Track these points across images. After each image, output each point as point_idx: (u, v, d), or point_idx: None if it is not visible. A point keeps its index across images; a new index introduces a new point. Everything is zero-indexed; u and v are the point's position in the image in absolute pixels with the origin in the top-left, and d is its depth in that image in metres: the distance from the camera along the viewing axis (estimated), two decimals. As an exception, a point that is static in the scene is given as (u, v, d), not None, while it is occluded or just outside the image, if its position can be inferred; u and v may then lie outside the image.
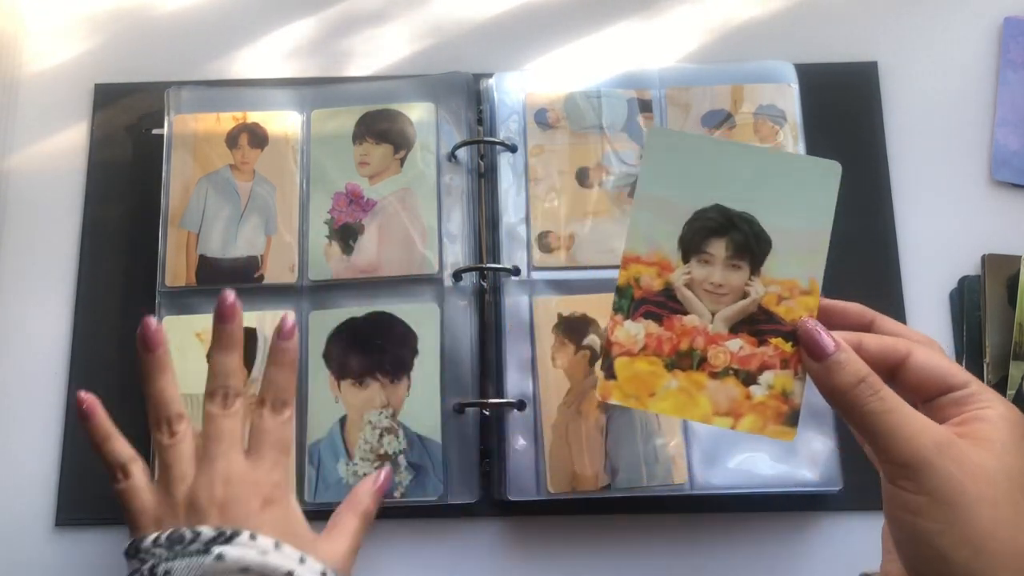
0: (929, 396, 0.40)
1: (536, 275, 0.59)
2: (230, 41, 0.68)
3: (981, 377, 0.58)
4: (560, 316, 0.58)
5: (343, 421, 0.57)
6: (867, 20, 0.67)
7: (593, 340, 0.57)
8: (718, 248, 0.43)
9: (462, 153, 0.62)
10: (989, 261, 0.60)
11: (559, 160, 0.61)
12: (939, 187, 0.63)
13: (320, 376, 0.58)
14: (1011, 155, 0.63)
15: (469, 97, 0.63)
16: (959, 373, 0.40)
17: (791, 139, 0.61)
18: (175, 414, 0.47)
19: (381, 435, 0.56)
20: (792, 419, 0.42)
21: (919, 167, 0.64)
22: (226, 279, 0.59)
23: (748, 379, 0.42)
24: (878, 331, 0.42)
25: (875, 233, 0.62)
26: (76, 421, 0.59)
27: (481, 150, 0.63)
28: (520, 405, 0.57)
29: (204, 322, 0.58)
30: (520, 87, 0.63)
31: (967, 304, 0.60)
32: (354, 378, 0.57)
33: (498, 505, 0.57)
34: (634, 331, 0.42)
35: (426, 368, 0.57)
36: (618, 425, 0.56)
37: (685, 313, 0.42)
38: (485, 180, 0.62)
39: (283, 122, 0.63)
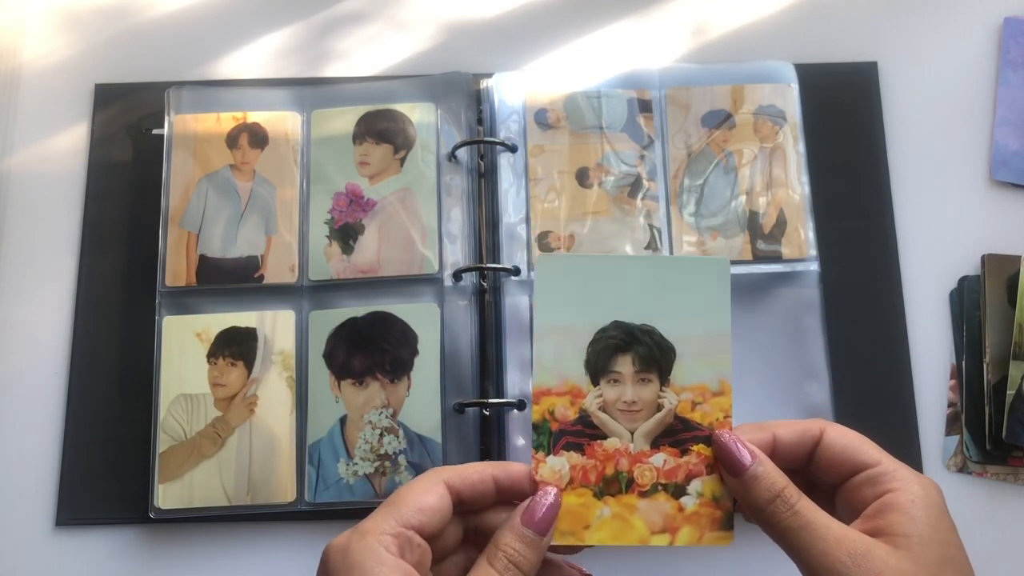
0: (844, 476, 0.41)
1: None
2: (230, 41, 0.68)
3: (981, 377, 0.58)
4: (560, 316, 0.58)
5: (343, 421, 0.57)
6: (867, 20, 0.67)
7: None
8: (625, 365, 0.42)
9: (462, 153, 0.62)
10: (989, 261, 0.60)
11: (559, 160, 0.61)
12: (939, 187, 0.63)
13: (320, 376, 0.58)
14: (1011, 155, 0.63)
15: (469, 97, 0.63)
16: (871, 450, 0.40)
17: (791, 139, 0.61)
18: None
19: (381, 435, 0.56)
20: (727, 523, 0.42)
21: (919, 167, 0.64)
22: (226, 279, 0.60)
23: (677, 491, 0.42)
24: (825, 444, 0.41)
25: (875, 233, 0.62)
26: (75, 421, 0.59)
27: (481, 150, 0.63)
28: (520, 405, 0.57)
29: (204, 322, 0.59)
30: (520, 87, 0.63)
31: (967, 304, 0.60)
32: (354, 378, 0.57)
33: (498, 505, 0.57)
34: (558, 466, 0.42)
35: (426, 368, 0.57)
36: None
37: (604, 437, 0.42)
38: (485, 180, 0.62)
39: (283, 122, 0.63)
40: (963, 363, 0.59)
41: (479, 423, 0.58)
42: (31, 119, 0.66)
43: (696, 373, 0.42)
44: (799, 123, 0.62)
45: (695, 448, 0.42)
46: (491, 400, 0.57)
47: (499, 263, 0.59)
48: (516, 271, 0.59)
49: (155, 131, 0.64)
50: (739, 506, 0.41)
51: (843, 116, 0.64)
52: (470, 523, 0.42)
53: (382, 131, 0.62)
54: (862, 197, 0.63)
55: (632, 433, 0.42)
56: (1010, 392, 0.57)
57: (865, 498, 0.39)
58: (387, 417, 0.57)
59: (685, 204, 0.61)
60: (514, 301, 0.59)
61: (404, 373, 0.57)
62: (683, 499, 0.42)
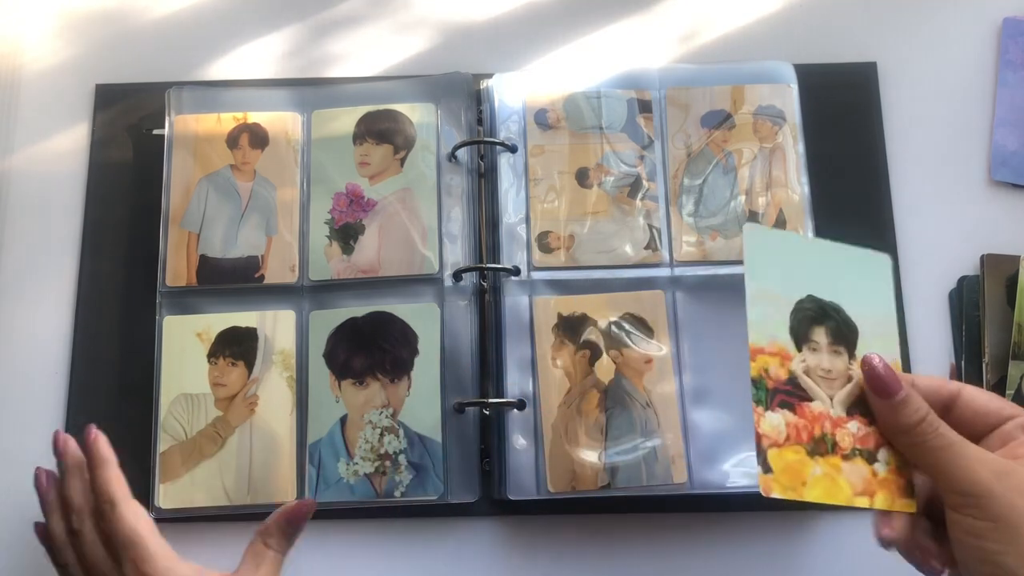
0: (984, 430, 0.43)
1: (536, 275, 0.59)
2: (230, 42, 0.68)
3: (980, 377, 0.58)
4: (560, 316, 0.58)
5: (343, 421, 0.57)
6: (867, 20, 0.67)
7: (595, 338, 0.57)
8: (820, 335, 0.45)
9: (462, 153, 0.62)
10: (988, 261, 0.60)
11: (559, 160, 0.61)
12: (938, 187, 0.63)
13: (321, 376, 0.58)
14: (1010, 155, 0.63)
15: (469, 98, 0.63)
16: (1010, 406, 0.43)
17: (791, 139, 0.61)
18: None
19: (381, 434, 0.57)
20: (910, 491, 0.44)
21: (918, 167, 0.64)
22: (227, 279, 0.60)
23: (870, 458, 0.44)
24: (965, 401, 0.44)
25: (875, 233, 0.62)
26: (76, 421, 0.59)
27: (481, 150, 0.63)
28: (520, 405, 0.57)
29: (205, 322, 0.59)
30: (520, 88, 0.63)
31: (966, 304, 0.60)
32: (355, 378, 0.58)
33: (498, 504, 0.57)
34: (776, 421, 0.44)
35: (426, 368, 0.57)
36: (618, 424, 0.56)
37: (811, 400, 0.44)
38: (485, 180, 0.62)
39: (284, 122, 0.63)
40: (962, 363, 0.59)
41: (479, 423, 0.58)
42: (32, 120, 0.66)
43: (875, 351, 0.44)
44: (798, 123, 0.62)
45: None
46: (491, 400, 0.57)
47: (499, 263, 0.60)
48: (516, 271, 0.59)
49: (156, 131, 0.64)
50: (884, 428, 0.43)
51: (843, 116, 0.64)
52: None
53: (382, 131, 0.62)
54: (861, 197, 0.63)
55: (831, 399, 0.44)
56: (1009, 392, 0.57)
57: (1007, 442, 0.41)
58: (387, 417, 0.57)
59: (684, 204, 0.61)
60: (514, 301, 0.59)
61: (404, 373, 0.57)
62: (875, 465, 0.43)
